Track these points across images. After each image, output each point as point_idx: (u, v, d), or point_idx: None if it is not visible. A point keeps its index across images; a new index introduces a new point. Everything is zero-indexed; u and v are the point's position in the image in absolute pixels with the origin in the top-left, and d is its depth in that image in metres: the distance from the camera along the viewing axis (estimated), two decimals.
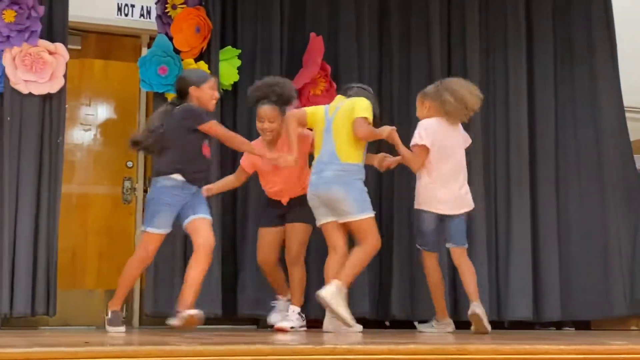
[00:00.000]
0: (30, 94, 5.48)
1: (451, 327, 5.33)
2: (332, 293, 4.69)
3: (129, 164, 6.27)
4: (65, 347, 2.88)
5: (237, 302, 5.82)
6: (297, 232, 5.21)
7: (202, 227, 4.83)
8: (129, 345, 3.06)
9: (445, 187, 5.14)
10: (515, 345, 3.27)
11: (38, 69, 5.48)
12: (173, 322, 4.77)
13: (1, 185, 5.37)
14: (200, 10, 5.88)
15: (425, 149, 5.15)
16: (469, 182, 6.16)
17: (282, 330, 4.98)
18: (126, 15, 6.22)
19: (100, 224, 6.22)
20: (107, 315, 4.91)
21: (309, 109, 5.23)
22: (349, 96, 5.16)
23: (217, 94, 5.07)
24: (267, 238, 5.34)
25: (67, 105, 5.68)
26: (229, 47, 6.03)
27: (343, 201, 4.90)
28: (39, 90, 5.50)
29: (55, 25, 5.62)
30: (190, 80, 4.95)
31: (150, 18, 6.16)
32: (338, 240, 4.98)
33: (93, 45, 6.32)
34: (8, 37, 5.43)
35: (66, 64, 5.55)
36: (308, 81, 6.10)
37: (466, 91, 5.24)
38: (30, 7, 5.46)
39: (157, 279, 5.70)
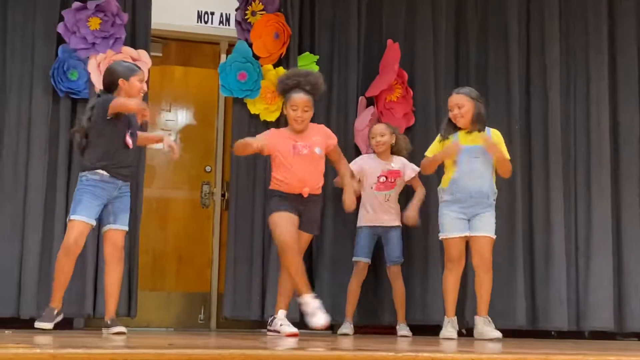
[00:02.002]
0: None
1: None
2: None
3: (208, 168, 6.36)
4: (150, 349, 2.93)
5: None
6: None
7: (115, 238, 4.76)
8: (212, 349, 3.09)
9: None
10: (600, 355, 3.20)
11: None
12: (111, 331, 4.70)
13: None
14: (280, 16, 5.94)
15: None
16: (548, 189, 6.06)
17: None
18: (206, 22, 6.31)
19: (180, 228, 6.32)
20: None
21: None
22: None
23: (145, 88, 4.97)
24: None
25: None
26: (307, 53, 6.06)
27: None
28: None
29: (138, 32, 5.75)
30: (118, 72, 4.80)
31: (229, 25, 6.24)
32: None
33: (174, 52, 6.44)
34: (93, 44, 5.57)
35: (148, 70, 5.67)
36: (385, 88, 6.09)
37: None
38: (115, 14, 5.60)
39: (235, 283, 5.76)
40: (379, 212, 5.69)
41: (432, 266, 5.95)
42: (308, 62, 6.02)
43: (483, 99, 5.42)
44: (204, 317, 6.22)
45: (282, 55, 5.93)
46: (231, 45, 6.12)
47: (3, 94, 5.51)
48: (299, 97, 5.02)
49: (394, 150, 5.80)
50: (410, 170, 5.76)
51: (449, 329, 5.24)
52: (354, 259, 5.70)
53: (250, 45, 5.91)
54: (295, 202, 4.96)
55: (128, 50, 5.65)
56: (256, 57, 5.90)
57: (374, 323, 5.92)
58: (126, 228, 4.84)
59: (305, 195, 4.97)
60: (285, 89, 5.09)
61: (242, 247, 5.80)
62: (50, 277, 5.08)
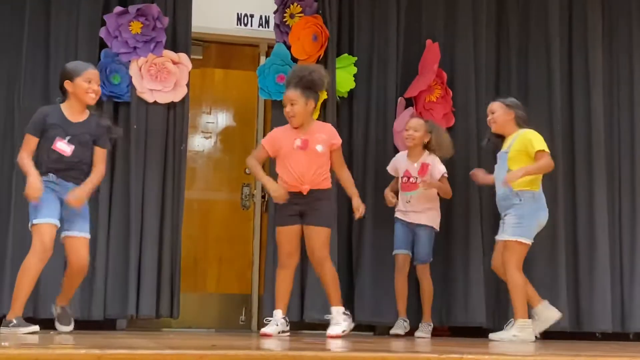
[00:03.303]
0: (155, 102, 5.67)
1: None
2: None
3: (247, 170, 6.39)
4: (193, 350, 2.95)
5: (354, 309, 5.83)
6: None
7: (76, 245, 4.61)
8: (255, 350, 3.11)
9: None
10: None
11: (162, 79, 5.66)
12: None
13: (128, 191, 5.57)
14: (318, 18, 5.94)
15: None
16: (591, 192, 5.99)
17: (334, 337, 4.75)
18: (245, 25, 6.34)
19: (220, 230, 6.35)
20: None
21: None
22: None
23: (95, 87, 4.67)
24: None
25: (189, 114, 5.84)
26: (346, 54, 6.06)
27: None
28: (164, 99, 5.68)
29: (178, 35, 5.80)
30: (64, 74, 4.65)
31: (268, 27, 6.27)
32: None
33: (214, 54, 6.48)
34: (135, 47, 5.63)
35: (189, 73, 5.71)
36: (424, 88, 6.07)
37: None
38: (156, 18, 5.65)
39: (274, 286, 5.76)
40: (408, 211, 5.66)
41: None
42: (346, 64, 6.02)
43: (521, 107, 5.35)
44: (245, 319, 6.25)
45: (321, 57, 5.93)
46: (270, 48, 6.14)
47: (46, 97, 5.58)
48: (286, 93, 4.99)
49: (431, 150, 5.69)
50: (436, 172, 5.64)
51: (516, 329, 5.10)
52: (393, 252, 5.68)
53: (289, 47, 5.92)
54: (296, 201, 4.88)
55: (169, 53, 5.70)
56: (295, 60, 5.91)
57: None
58: (86, 235, 4.66)
59: (305, 193, 4.87)
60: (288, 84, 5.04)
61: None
62: (95, 279, 5.15)
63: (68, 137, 4.62)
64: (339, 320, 4.84)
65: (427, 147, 5.70)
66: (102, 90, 5.55)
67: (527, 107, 6.17)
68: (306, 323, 5.75)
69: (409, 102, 6.12)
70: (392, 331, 5.60)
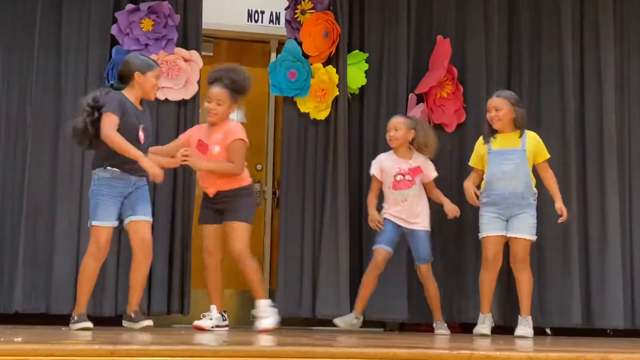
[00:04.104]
0: (166, 100, 5.68)
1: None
2: None
3: (258, 167, 6.40)
4: (205, 346, 2.96)
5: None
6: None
7: (141, 229, 4.68)
8: (267, 345, 3.12)
9: None
10: None
11: (174, 76, 5.67)
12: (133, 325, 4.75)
13: None
14: (329, 15, 5.94)
15: None
16: (603, 189, 5.98)
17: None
18: (256, 21, 6.35)
19: None
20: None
21: None
22: None
23: (160, 84, 4.87)
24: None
25: (199, 111, 5.85)
26: (357, 51, 6.06)
27: None
28: (174, 96, 5.69)
29: (189, 33, 5.81)
30: (135, 65, 4.71)
31: (279, 24, 6.27)
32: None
33: (224, 51, 6.48)
34: (146, 45, 5.64)
35: (199, 70, 5.72)
36: (434, 84, 6.07)
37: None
38: (167, 16, 5.66)
39: (286, 281, 5.79)
40: (400, 212, 5.49)
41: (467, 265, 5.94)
42: (357, 60, 6.02)
43: (522, 104, 5.41)
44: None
45: (332, 53, 5.94)
46: (281, 44, 6.15)
47: (58, 95, 5.61)
48: (214, 90, 4.97)
49: (416, 148, 5.54)
50: (431, 173, 5.55)
51: (484, 324, 5.29)
52: (374, 247, 5.51)
53: (300, 44, 5.92)
54: (214, 200, 4.95)
55: (180, 51, 5.71)
56: (306, 56, 5.91)
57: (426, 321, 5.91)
58: (149, 219, 4.74)
59: (211, 196, 4.94)
60: (208, 82, 5.07)
61: (292, 245, 5.83)
62: (106, 275, 5.18)
63: (142, 126, 4.69)
64: (268, 314, 4.86)
65: (413, 145, 5.54)
66: None
67: (539, 103, 6.21)
68: (318, 319, 5.76)
69: (420, 98, 6.12)
70: (338, 323, 5.45)
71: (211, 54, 6.31)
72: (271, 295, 6.11)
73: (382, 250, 5.47)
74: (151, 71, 4.73)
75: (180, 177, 5.67)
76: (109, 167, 4.59)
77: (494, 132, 5.39)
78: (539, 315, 5.92)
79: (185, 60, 5.70)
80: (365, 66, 6.03)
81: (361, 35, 6.14)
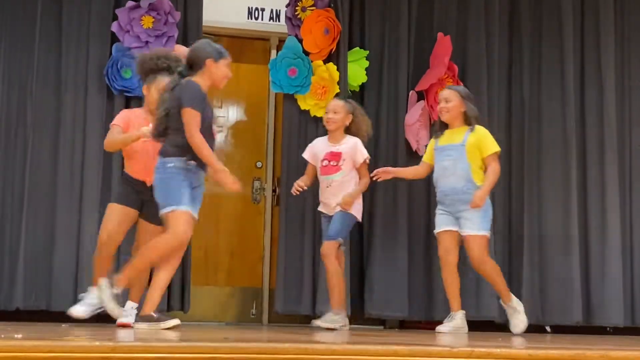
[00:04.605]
0: None
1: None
2: None
3: (259, 164, 6.40)
4: (206, 342, 2.96)
5: (364, 302, 5.85)
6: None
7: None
8: (267, 342, 3.12)
9: None
10: None
11: None
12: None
13: None
14: (330, 12, 5.94)
15: None
16: (603, 186, 5.97)
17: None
18: (256, 18, 6.34)
19: (231, 223, 6.36)
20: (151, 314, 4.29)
21: None
22: None
23: (230, 75, 4.51)
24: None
25: None
26: (357, 48, 6.06)
27: None
28: None
29: (190, 30, 5.81)
30: (207, 52, 4.40)
31: (279, 21, 6.27)
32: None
33: (225, 48, 6.46)
34: (147, 42, 5.63)
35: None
36: (435, 81, 6.07)
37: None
38: (167, 13, 5.66)
39: (286, 278, 5.79)
40: (326, 198, 5.30)
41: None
42: (358, 58, 6.02)
43: (473, 100, 5.28)
44: (256, 312, 6.27)
45: (332, 50, 5.94)
46: (281, 41, 6.15)
47: (58, 92, 5.61)
48: (158, 79, 4.66)
49: (352, 132, 5.34)
50: (359, 156, 5.28)
51: (451, 322, 5.11)
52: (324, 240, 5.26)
53: (301, 41, 5.93)
54: (139, 191, 4.70)
55: (180, 48, 5.69)
56: (306, 53, 5.92)
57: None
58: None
59: (149, 184, 4.58)
60: (152, 69, 4.70)
61: (292, 242, 5.83)
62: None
63: (214, 119, 4.50)
64: (130, 313, 4.57)
65: (348, 130, 5.34)
66: (114, 85, 5.59)
67: (539, 101, 6.21)
68: (318, 317, 5.76)
69: (421, 96, 6.12)
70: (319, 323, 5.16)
71: None
72: (271, 293, 6.13)
73: (323, 244, 5.23)
74: (223, 59, 4.44)
75: None
76: (189, 161, 4.28)
77: (444, 127, 5.26)
78: (540, 313, 5.93)
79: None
80: (366, 63, 6.03)
81: (362, 32, 6.14)
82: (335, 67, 5.91)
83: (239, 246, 6.36)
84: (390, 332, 5.26)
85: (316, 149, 5.42)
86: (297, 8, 5.96)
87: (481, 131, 5.21)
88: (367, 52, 6.06)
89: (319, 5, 5.97)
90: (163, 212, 4.28)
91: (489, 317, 5.83)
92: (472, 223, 5.09)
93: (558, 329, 5.89)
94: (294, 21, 5.96)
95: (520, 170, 6.17)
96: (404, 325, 6.13)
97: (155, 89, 4.68)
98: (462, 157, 5.13)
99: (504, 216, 6.10)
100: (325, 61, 5.94)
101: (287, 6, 5.99)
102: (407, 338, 4.09)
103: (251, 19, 6.34)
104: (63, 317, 4.89)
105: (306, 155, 5.48)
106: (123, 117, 4.87)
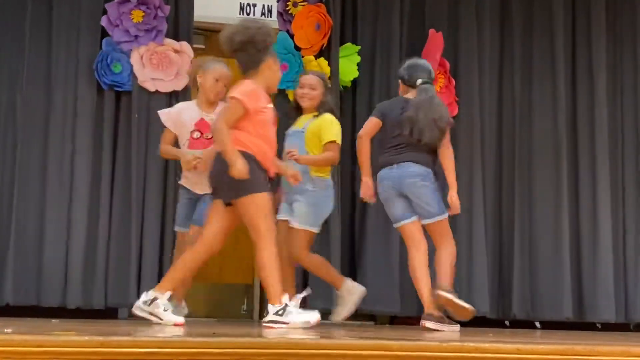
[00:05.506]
0: (156, 91, 5.66)
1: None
2: None
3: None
4: (195, 337, 2.95)
5: None
6: None
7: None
8: (257, 337, 3.11)
9: None
10: None
11: (164, 67, 5.64)
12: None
13: (129, 181, 5.55)
14: (321, 7, 5.93)
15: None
16: (595, 182, 5.97)
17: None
18: (248, 14, 6.31)
19: None
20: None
21: None
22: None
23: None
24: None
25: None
26: (349, 43, 6.05)
27: None
28: (165, 88, 5.67)
29: (180, 24, 5.79)
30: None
31: (271, 16, 6.25)
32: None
33: (216, 44, 6.42)
34: (136, 36, 5.61)
35: (191, 62, 5.69)
36: None
37: None
38: (157, 7, 5.64)
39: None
40: (193, 177, 4.76)
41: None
42: (349, 53, 6.01)
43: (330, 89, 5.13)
44: (247, 308, 6.25)
45: (324, 46, 5.93)
46: None
47: (48, 87, 5.58)
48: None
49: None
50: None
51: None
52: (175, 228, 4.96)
53: (292, 36, 5.91)
54: None
55: (170, 42, 5.69)
56: (297, 49, 5.90)
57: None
58: None
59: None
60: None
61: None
62: (96, 268, 5.16)
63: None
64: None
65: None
66: (104, 79, 5.57)
67: (530, 96, 6.21)
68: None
69: None
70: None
71: (203, 46, 6.29)
72: (262, 289, 6.10)
73: (179, 234, 4.96)
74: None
75: (172, 170, 5.64)
76: None
77: (299, 111, 5.00)
78: (530, 309, 5.94)
79: (176, 51, 5.68)
80: (358, 59, 6.02)
81: (353, 27, 6.13)
82: (326, 62, 5.89)
83: (230, 242, 6.28)
84: (381, 328, 5.25)
85: (184, 115, 4.78)
86: (288, 3, 5.95)
87: (326, 118, 4.87)
88: (359, 47, 6.05)
89: (311, 1, 5.95)
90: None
91: (480, 313, 5.82)
92: (298, 214, 4.78)
93: (548, 325, 5.89)
94: (285, 16, 5.95)
95: (512, 167, 6.18)
96: (394, 321, 6.12)
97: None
98: (301, 144, 4.84)
99: (495, 211, 6.10)
100: (317, 56, 5.92)
101: (278, 1, 5.98)
102: (398, 333, 4.09)
103: (243, 14, 6.31)
104: (53, 312, 4.87)
105: (169, 122, 4.83)
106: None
